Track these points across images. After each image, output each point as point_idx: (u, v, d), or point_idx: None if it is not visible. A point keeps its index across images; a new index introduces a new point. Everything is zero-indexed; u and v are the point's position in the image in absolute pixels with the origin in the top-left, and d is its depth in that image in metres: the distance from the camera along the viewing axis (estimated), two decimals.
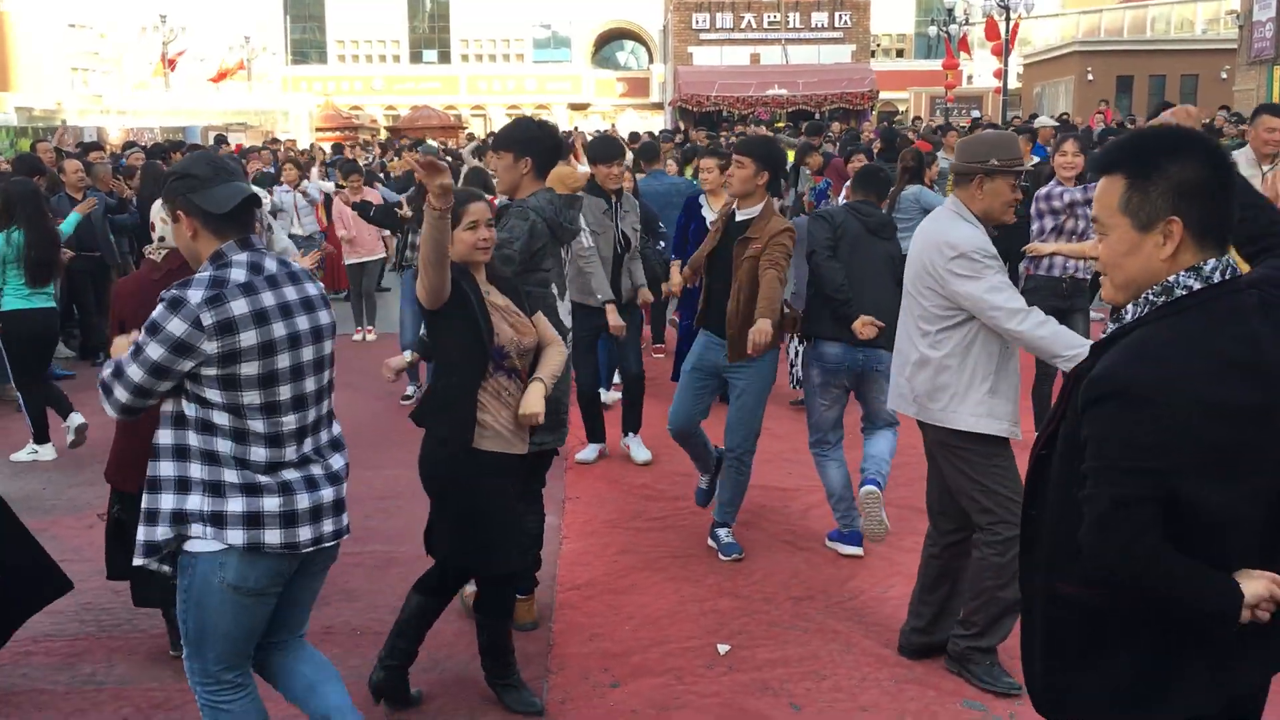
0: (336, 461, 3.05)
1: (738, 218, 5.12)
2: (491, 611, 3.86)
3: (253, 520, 2.80)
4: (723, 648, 4.34)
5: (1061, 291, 6.59)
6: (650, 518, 5.84)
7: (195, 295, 2.71)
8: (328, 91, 40.47)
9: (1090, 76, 38.73)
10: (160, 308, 2.72)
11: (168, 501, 2.82)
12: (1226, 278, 1.98)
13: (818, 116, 29.35)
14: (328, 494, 2.97)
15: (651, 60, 43.69)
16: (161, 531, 2.82)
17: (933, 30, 34.35)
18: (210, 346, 2.70)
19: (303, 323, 2.89)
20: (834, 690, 4.01)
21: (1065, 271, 6.59)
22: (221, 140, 18.96)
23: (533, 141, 4.36)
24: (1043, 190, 6.70)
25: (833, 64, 35.61)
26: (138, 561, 2.84)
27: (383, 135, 31.85)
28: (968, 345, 3.86)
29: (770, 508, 5.92)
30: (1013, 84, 36.95)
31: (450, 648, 4.35)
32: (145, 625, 4.64)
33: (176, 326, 2.68)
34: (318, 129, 32.72)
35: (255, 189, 3.04)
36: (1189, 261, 1.98)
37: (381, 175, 14.86)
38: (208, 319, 2.69)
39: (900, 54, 43.95)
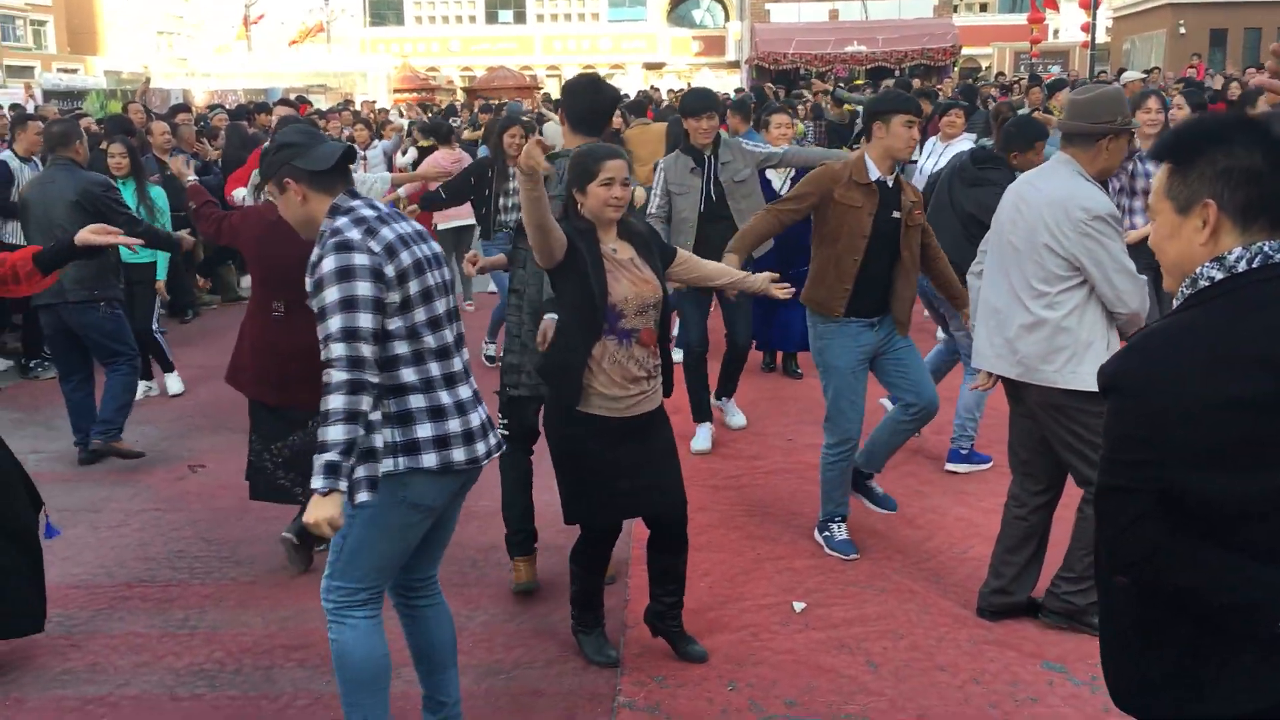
0: (473, 382, 3.22)
1: (889, 184, 4.67)
2: (581, 560, 3.92)
3: (441, 443, 3.00)
4: (798, 605, 4.35)
5: None
6: (726, 475, 5.85)
7: (354, 231, 2.91)
8: (405, 53, 40.67)
9: (1182, 30, 37.39)
10: (332, 257, 2.86)
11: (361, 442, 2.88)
12: (1255, 266, 1.92)
13: (898, 74, 28.79)
14: (482, 411, 3.18)
15: (728, 18, 43.14)
16: (356, 469, 2.87)
17: None
18: (389, 270, 2.90)
19: (422, 249, 3.07)
20: (911, 649, 4.00)
21: None
22: (302, 100, 19.20)
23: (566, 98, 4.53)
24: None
25: (914, 19, 34.81)
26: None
27: (459, 96, 31.98)
28: (1084, 305, 3.81)
29: None
30: (1101, 38, 35.87)
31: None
32: (235, 574, 4.79)
33: (359, 259, 2.86)
34: (395, 90, 32.97)
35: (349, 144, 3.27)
36: (1230, 246, 1.94)
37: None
38: (375, 245, 2.90)
39: (984, 8, 42.83)
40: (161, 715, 3.69)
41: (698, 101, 6.24)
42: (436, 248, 3.18)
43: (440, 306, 3.06)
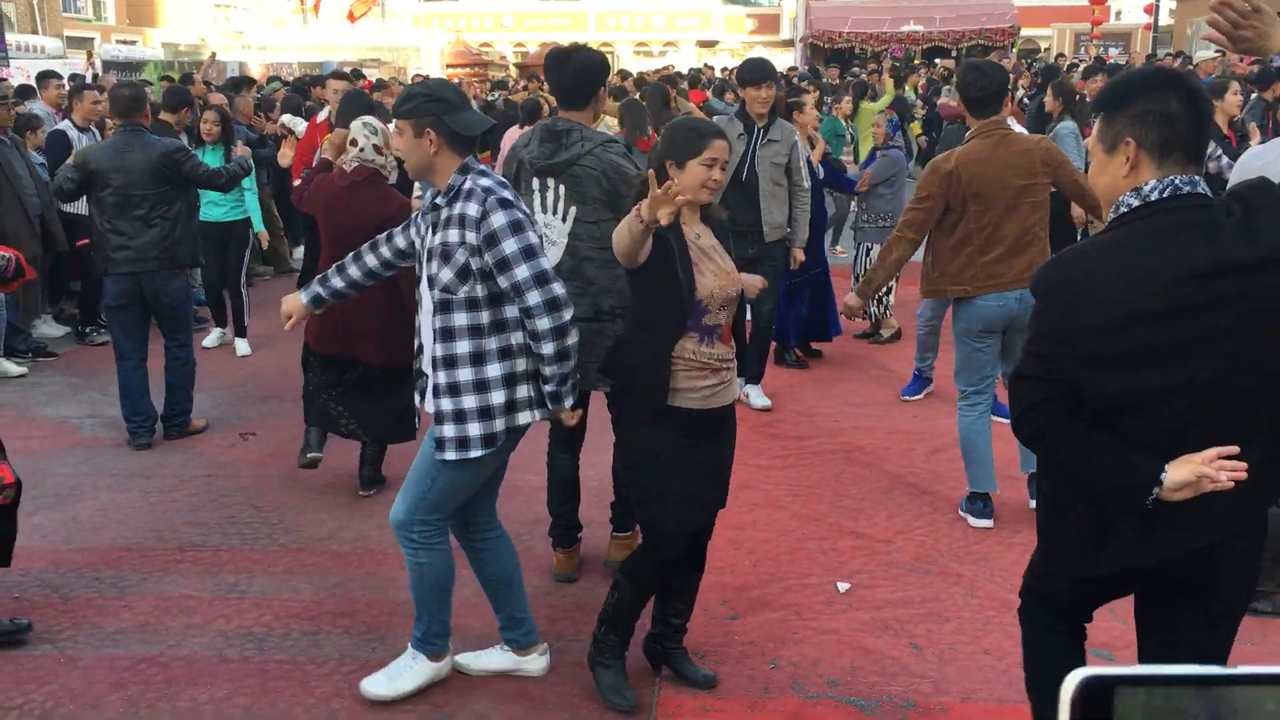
0: None
1: None
2: (640, 574, 3.60)
3: (531, 403, 3.40)
4: (842, 586, 4.33)
5: None
6: (772, 455, 5.83)
7: (506, 192, 3.28)
8: (458, 28, 40.74)
9: None
10: (501, 214, 3.20)
11: (470, 401, 3.30)
12: (1166, 196, 2.25)
13: (955, 54, 28.39)
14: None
15: None
16: (475, 429, 3.32)
17: None
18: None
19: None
20: (956, 633, 3.97)
21: None
22: (358, 75, 19.30)
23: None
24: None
25: None
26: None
27: (513, 72, 31.98)
28: None
29: (893, 450, 5.85)
30: (1164, 20, 35.09)
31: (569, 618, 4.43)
32: (284, 540, 4.85)
33: (519, 215, 3.24)
34: (448, 65, 33.04)
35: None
36: (1148, 179, 2.27)
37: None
38: (524, 205, 3.30)
39: None
40: (211, 676, 3.75)
41: (756, 71, 6.14)
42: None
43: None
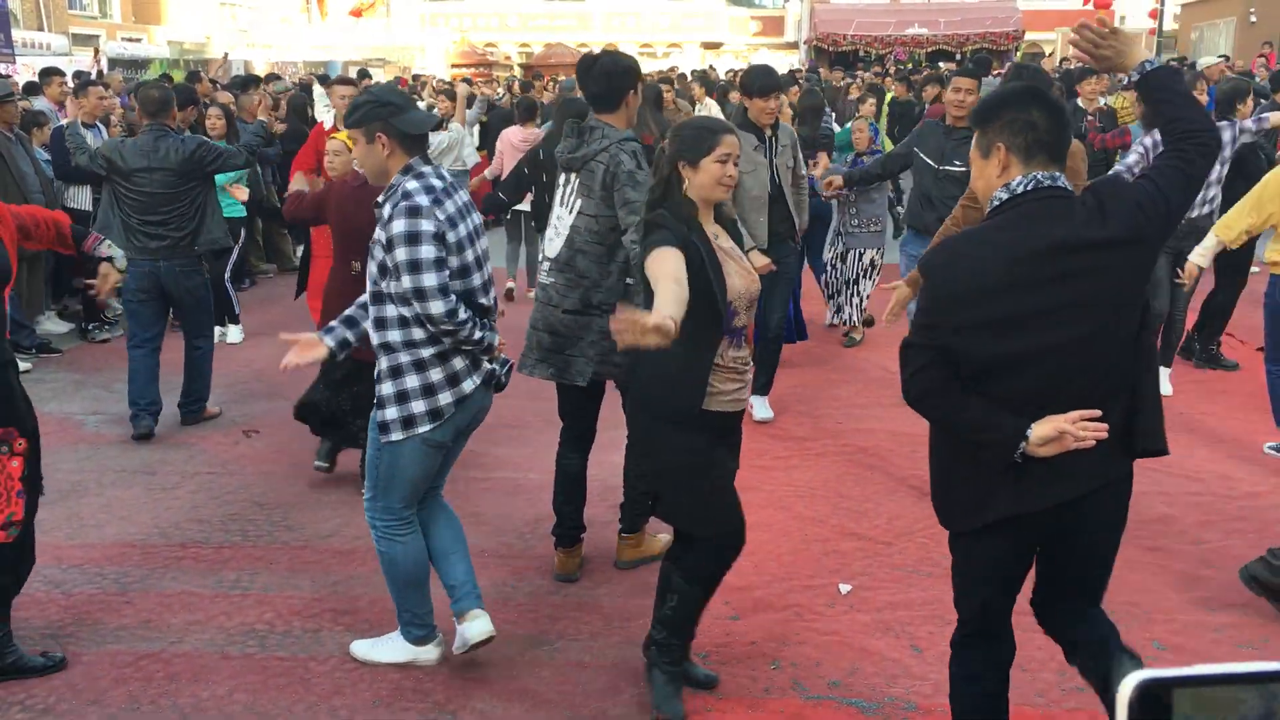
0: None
1: None
2: (697, 578, 3.52)
3: (470, 370, 3.51)
4: (844, 588, 4.33)
5: (1178, 233, 6.31)
6: (775, 456, 5.83)
7: (423, 199, 3.33)
8: (464, 28, 40.77)
9: (1253, 18, 36.40)
10: (402, 221, 3.30)
11: (412, 381, 3.43)
12: (1029, 189, 2.59)
13: (959, 58, 28.37)
14: (489, 364, 3.62)
15: None
16: (419, 405, 3.44)
17: None
18: (451, 237, 3.35)
19: (476, 219, 3.55)
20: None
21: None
22: (364, 75, 19.32)
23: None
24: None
25: (976, 1, 34.30)
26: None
27: (517, 72, 31.98)
28: None
29: (896, 451, 5.85)
30: (1168, 25, 35.07)
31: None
32: (286, 538, 4.85)
33: (426, 225, 3.30)
34: (453, 65, 33.06)
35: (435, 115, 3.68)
36: (1013, 175, 2.62)
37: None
38: (440, 214, 3.34)
39: None
40: (213, 672, 3.76)
41: (765, 81, 6.02)
42: (478, 219, 3.59)
43: (478, 279, 3.49)
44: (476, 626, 3.68)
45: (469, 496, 5.15)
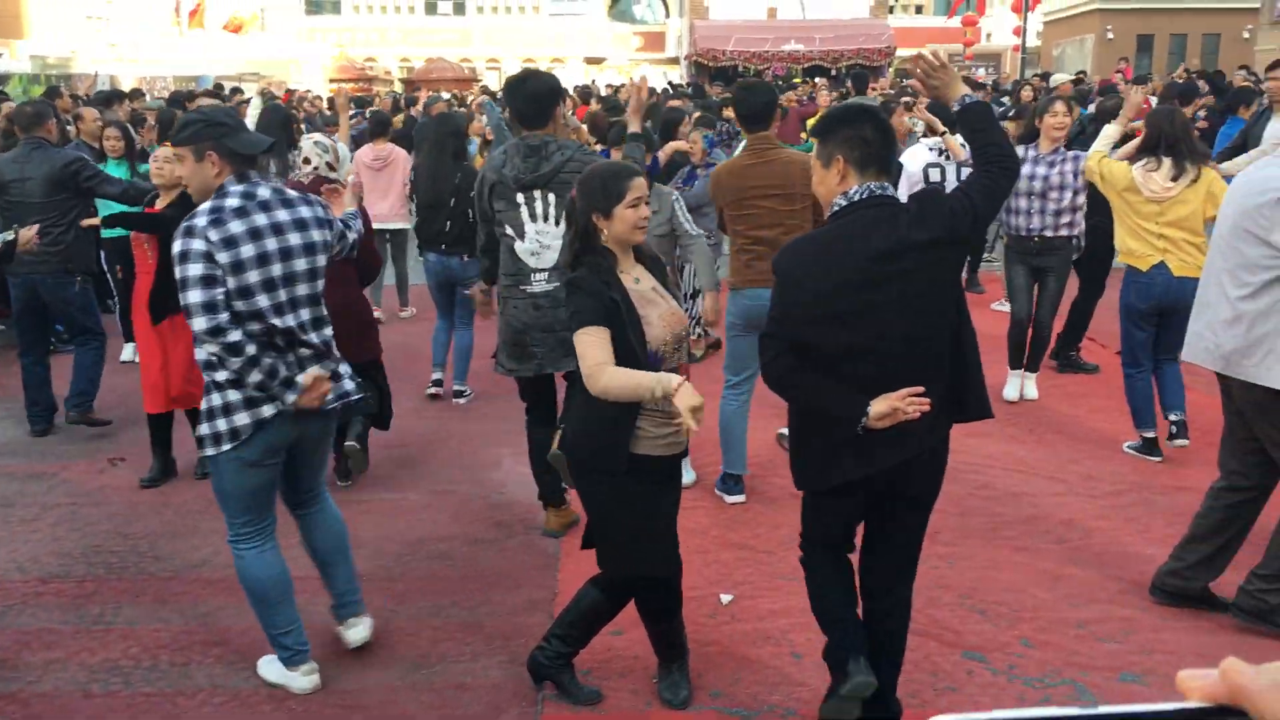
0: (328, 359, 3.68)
1: None
2: (653, 618, 3.61)
3: (252, 403, 3.47)
4: (725, 598, 4.37)
5: (1031, 249, 6.58)
6: None
7: (201, 219, 3.35)
8: (343, 43, 40.17)
9: (1110, 35, 38.15)
10: (178, 241, 3.33)
11: (216, 399, 3.47)
12: (864, 198, 3.00)
13: (834, 73, 29.02)
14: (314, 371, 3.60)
15: (668, 14, 43.19)
16: (222, 424, 3.47)
17: None
18: (225, 256, 3.32)
19: (295, 238, 3.50)
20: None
21: (1031, 232, 6.54)
22: (235, 91, 18.87)
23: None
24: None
25: (850, 19, 35.10)
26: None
27: (398, 87, 31.61)
28: None
29: (774, 461, 5.92)
30: (1031, 42, 36.44)
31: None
32: (153, 569, 4.69)
33: (196, 244, 3.31)
34: (331, 79, 32.53)
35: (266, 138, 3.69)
36: (853, 185, 3.02)
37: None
38: (216, 234, 3.33)
39: (919, 10, 43.30)
40: (75, 713, 3.60)
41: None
42: (315, 235, 3.58)
43: (264, 301, 3.41)
44: (354, 634, 3.91)
45: (347, 519, 5.03)
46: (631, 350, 3.19)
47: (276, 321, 3.44)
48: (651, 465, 3.33)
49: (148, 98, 15.91)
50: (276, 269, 3.44)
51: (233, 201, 3.41)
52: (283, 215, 3.50)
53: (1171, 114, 5.73)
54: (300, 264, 3.51)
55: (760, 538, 4.95)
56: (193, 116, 3.56)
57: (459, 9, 44.29)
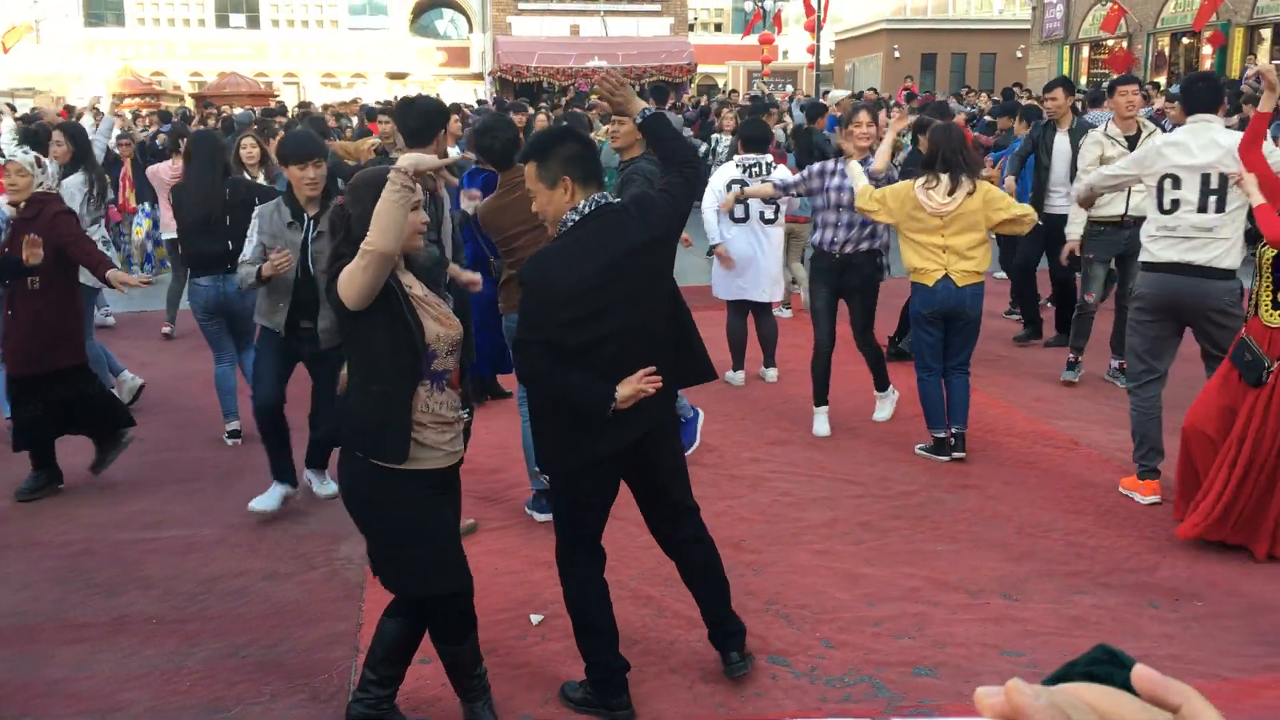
0: None
1: None
2: (448, 638, 3.51)
3: None
4: (535, 618, 4.34)
5: (834, 266, 6.76)
6: (468, 491, 5.76)
7: None
8: (127, 56, 38.23)
9: (897, 53, 40.13)
10: None
11: None
12: (593, 209, 3.39)
13: (638, 90, 29.44)
14: None
15: (471, 29, 42.93)
16: None
17: (749, 5, 34.79)
18: None
19: None
20: (644, 654, 4.05)
21: (834, 246, 6.71)
22: (10, 107, 17.69)
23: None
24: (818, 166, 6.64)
25: (652, 37, 35.75)
26: None
27: (188, 103, 30.33)
28: None
29: None
30: (825, 60, 37.95)
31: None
32: None
33: None
34: (114, 94, 30.94)
35: None
36: (580, 199, 3.39)
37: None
38: None
39: (718, 28, 44.45)
40: None
41: (300, 147, 5.05)
42: None
43: None
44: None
45: (135, 559, 4.78)
46: (408, 331, 3.19)
47: None
48: (434, 476, 3.31)
49: None
50: None
51: None
52: None
53: (948, 130, 6.02)
54: None
55: None
56: None
57: (253, 22, 42.82)
